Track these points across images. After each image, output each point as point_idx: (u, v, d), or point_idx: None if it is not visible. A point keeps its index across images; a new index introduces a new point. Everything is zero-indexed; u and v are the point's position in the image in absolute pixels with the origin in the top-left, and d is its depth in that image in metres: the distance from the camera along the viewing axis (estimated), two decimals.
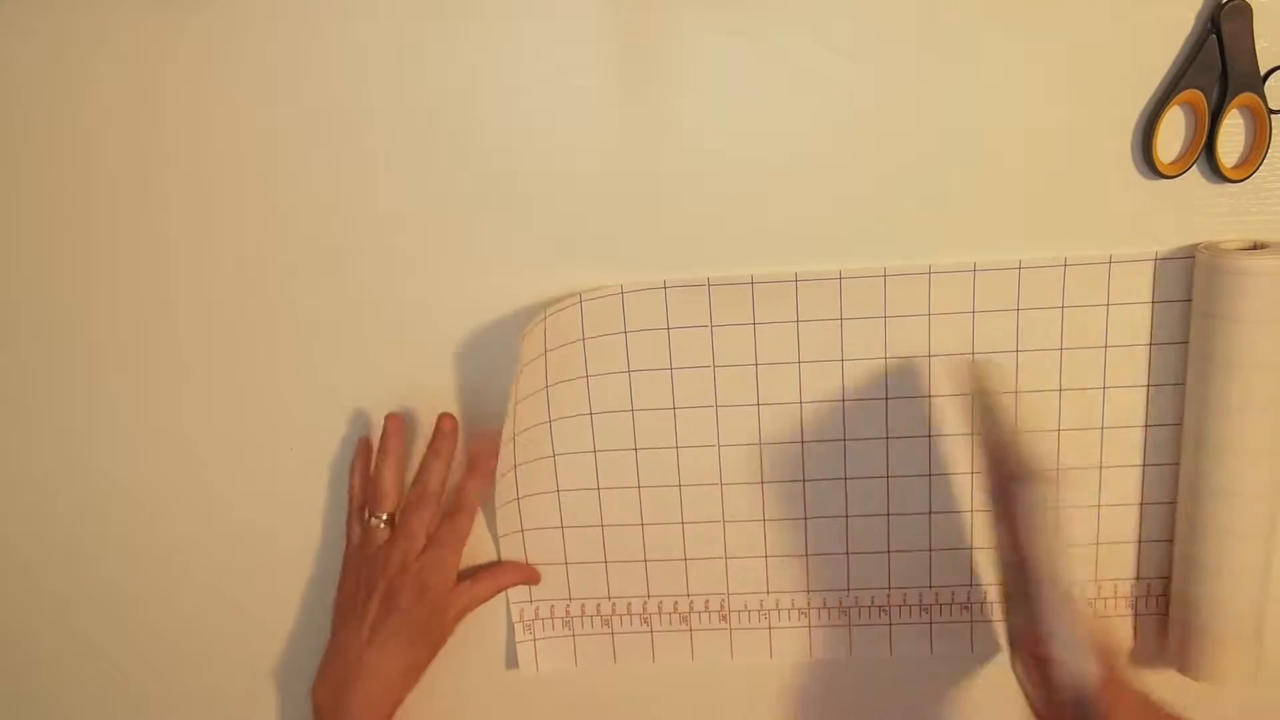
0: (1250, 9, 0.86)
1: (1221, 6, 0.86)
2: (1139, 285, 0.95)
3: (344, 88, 0.95)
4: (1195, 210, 0.92)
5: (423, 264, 0.99)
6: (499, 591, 1.05)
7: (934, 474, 1.01)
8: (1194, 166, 0.91)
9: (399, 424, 1.01)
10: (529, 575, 1.06)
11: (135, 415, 1.05)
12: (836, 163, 0.94)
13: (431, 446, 1.01)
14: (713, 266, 0.97)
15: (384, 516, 1.00)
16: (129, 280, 1.01)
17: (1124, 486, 1.01)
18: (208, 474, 1.06)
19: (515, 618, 1.07)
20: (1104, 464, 1.01)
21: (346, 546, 1.03)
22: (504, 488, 1.01)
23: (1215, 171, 0.91)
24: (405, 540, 0.99)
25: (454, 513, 1.00)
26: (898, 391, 1.00)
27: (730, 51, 0.92)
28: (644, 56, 0.93)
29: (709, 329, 0.99)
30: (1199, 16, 0.88)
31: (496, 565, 1.06)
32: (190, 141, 0.97)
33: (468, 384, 1.02)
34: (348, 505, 1.03)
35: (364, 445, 1.03)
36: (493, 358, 1.00)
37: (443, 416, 1.00)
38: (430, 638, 1.00)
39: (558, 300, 0.96)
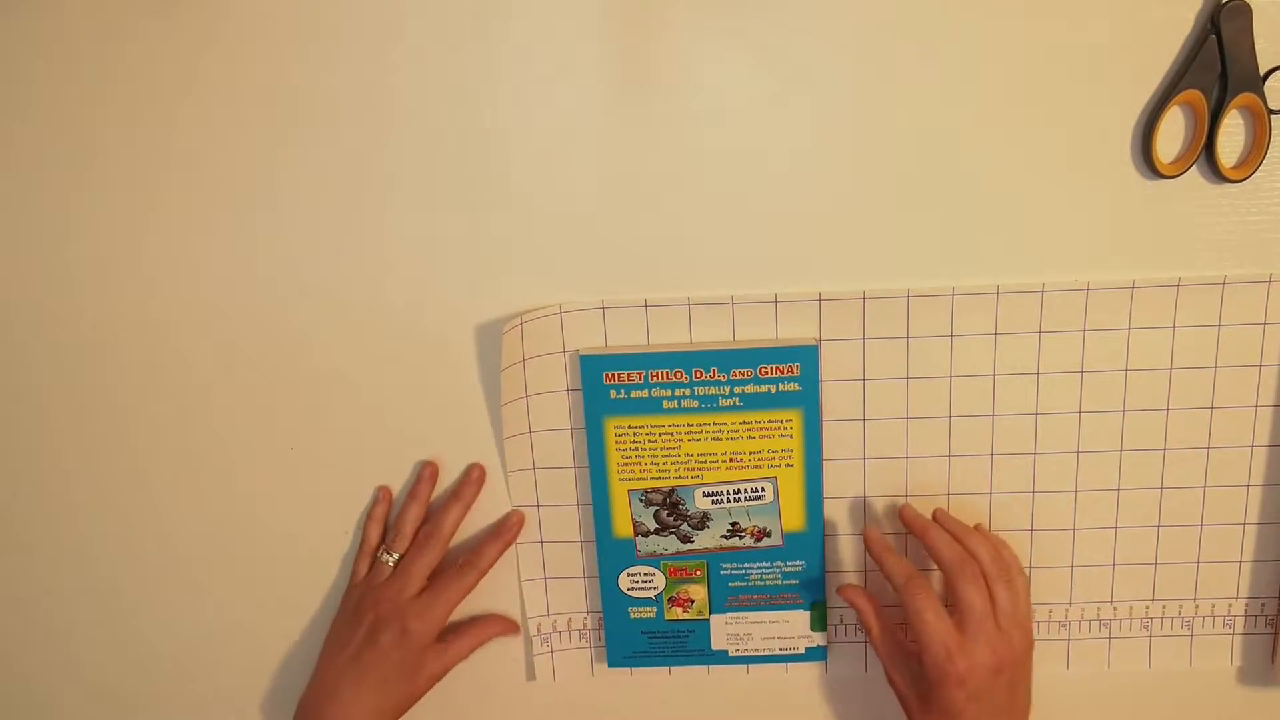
0: (1250, 9, 0.84)
1: (1221, 6, 0.83)
2: (1162, 310, 0.91)
3: (340, 92, 0.91)
4: (1195, 211, 0.88)
5: (423, 269, 0.94)
6: (478, 646, 1.00)
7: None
8: (1194, 167, 0.88)
9: (434, 472, 0.98)
10: (507, 627, 1.02)
11: (137, 423, 1.00)
12: (832, 164, 0.90)
13: (455, 491, 0.98)
14: (730, 284, 0.93)
15: (396, 556, 0.97)
16: (127, 283, 0.96)
17: (1143, 507, 0.97)
18: (205, 480, 1.01)
19: (533, 631, 1.02)
20: (1122, 486, 0.96)
21: (349, 582, 1.00)
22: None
23: (1215, 172, 0.87)
24: (403, 579, 0.96)
25: (464, 567, 0.97)
26: (917, 412, 0.95)
27: (746, 71, 0.89)
28: (656, 67, 0.89)
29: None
30: (1199, 16, 0.85)
31: (475, 622, 1.01)
32: (185, 148, 0.93)
33: (461, 390, 0.97)
34: (359, 545, 1.00)
35: (383, 494, 0.99)
36: (491, 364, 0.96)
37: (473, 466, 0.98)
38: (401, 688, 0.95)
39: (538, 308, 0.93)
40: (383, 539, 0.99)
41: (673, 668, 1.02)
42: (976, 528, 0.95)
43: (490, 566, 0.97)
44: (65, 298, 0.96)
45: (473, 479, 0.97)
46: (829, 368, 0.94)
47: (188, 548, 1.02)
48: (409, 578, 0.95)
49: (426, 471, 0.98)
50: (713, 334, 0.94)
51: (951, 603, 0.88)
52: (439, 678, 0.97)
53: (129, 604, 1.04)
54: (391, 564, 0.97)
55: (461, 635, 0.99)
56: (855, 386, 0.94)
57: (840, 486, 0.97)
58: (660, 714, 1.04)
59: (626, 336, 0.94)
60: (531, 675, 1.03)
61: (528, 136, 0.90)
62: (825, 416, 0.95)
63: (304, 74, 0.90)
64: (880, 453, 0.96)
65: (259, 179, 0.93)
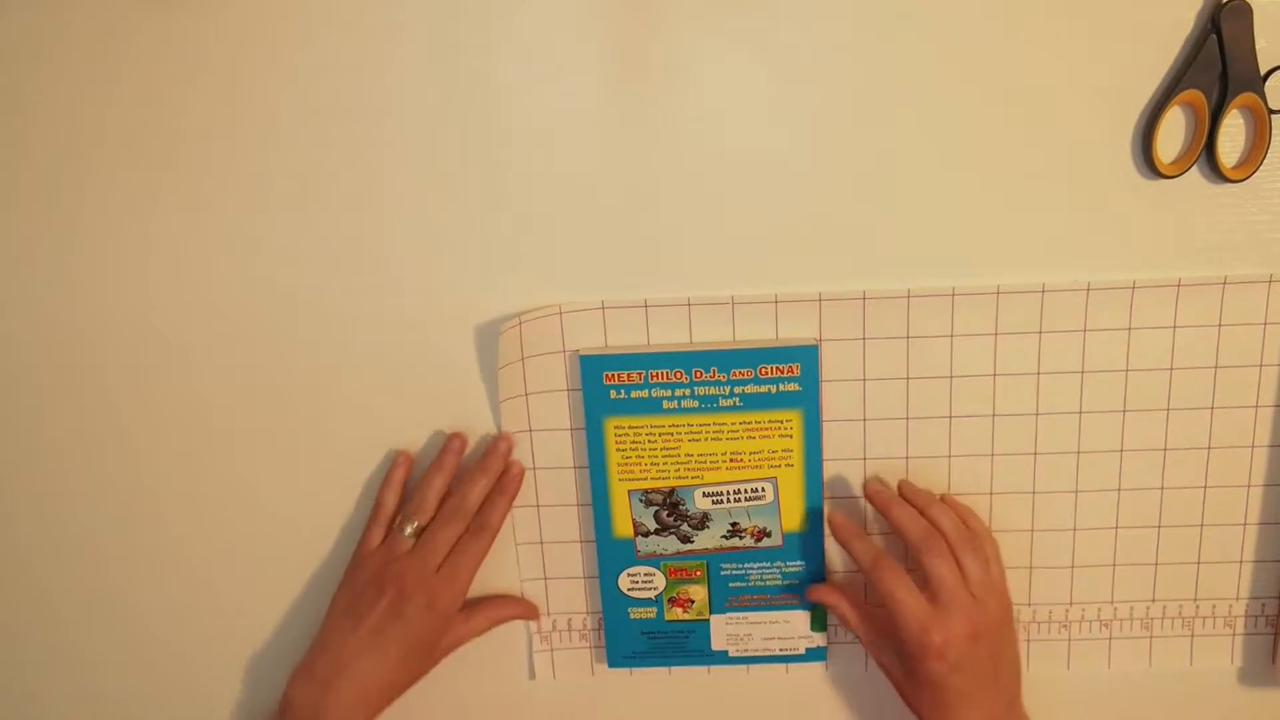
0: (1250, 9, 0.83)
1: (1221, 6, 0.83)
2: (1162, 310, 0.91)
3: (340, 92, 0.91)
4: (1195, 211, 0.88)
5: (423, 269, 0.94)
6: (495, 625, 0.99)
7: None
8: (1194, 167, 0.87)
9: (462, 444, 0.96)
10: (528, 611, 1.00)
11: (136, 415, 0.99)
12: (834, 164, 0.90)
13: (480, 464, 0.96)
14: (730, 284, 0.93)
15: (416, 526, 0.95)
16: (129, 281, 0.96)
17: (1143, 507, 0.96)
18: (206, 481, 1.01)
19: (533, 630, 1.02)
20: (1122, 486, 0.96)
21: (359, 549, 0.97)
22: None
23: (1215, 171, 0.87)
24: (427, 553, 0.93)
25: (476, 530, 0.95)
26: (917, 412, 0.95)
27: (746, 71, 0.89)
28: (656, 67, 0.89)
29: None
30: (1199, 16, 0.85)
31: (495, 599, 1.00)
32: (185, 147, 0.92)
33: (463, 391, 0.97)
34: (373, 511, 0.97)
35: (403, 459, 0.97)
36: (492, 365, 0.95)
37: (500, 438, 0.96)
38: (420, 659, 0.95)
39: (537, 308, 0.93)
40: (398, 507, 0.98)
41: (672, 668, 1.02)
42: (942, 497, 0.95)
43: (500, 525, 0.96)
44: (67, 290, 0.96)
45: (499, 451, 0.96)
46: (829, 368, 0.93)
47: (190, 547, 1.02)
48: (433, 551, 0.93)
49: (455, 444, 0.96)
50: (713, 334, 0.93)
51: (921, 578, 0.88)
52: (452, 650, 0.96)
53: (121, 584, 1.04)
54: (411, 534, 0.95)
55: (482, 610, 0.98)
56: (855, 386, 0.94)
57: (840, 486, 0.97)
58: (660, 714, 1.04)
59: (626, 336, 0.94)
60: (532, 674, 1.03)
61: (528, 136, 0.90)
62: (825, 416, 0.95)
63: (304, 74, 0.90)
64: (880, 453, 0.96)
65: (260, 178, 0.92)
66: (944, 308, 0.91)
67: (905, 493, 0.94)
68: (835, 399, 0.94)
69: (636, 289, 0.93)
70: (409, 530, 0.94)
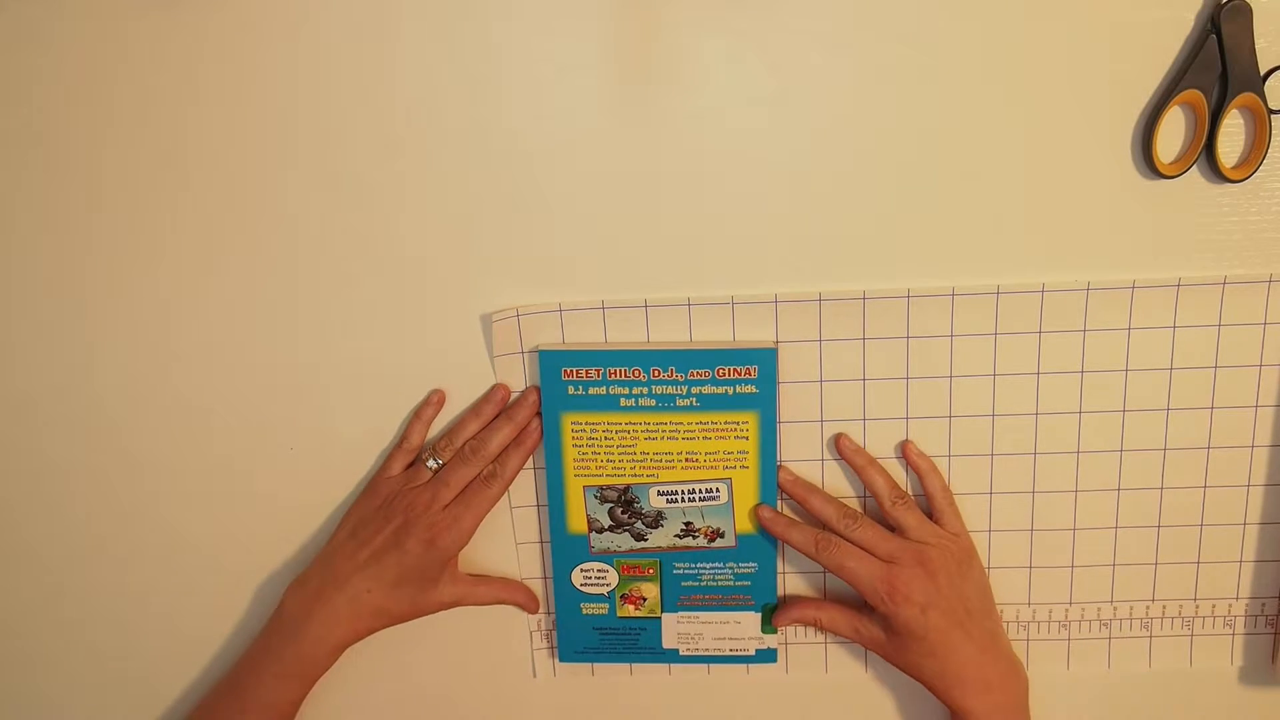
0: (1250, 9, 0.83)
1: (1221, 6, 0.83)
2: (1162, 310, 0.90)
3: (341, 94, 0.91)
4: (1195, 210, 0.88)
5: (422, 270, 0.94)
6: (496, 603, 1.00)
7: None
8: (1194, 166, 0.87)
9: (505, 396, 0.96)
10: (529, 601, 1.00)
11: (132, 404, 0.99)
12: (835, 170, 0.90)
13: (507, 412, 0.96)
14: (731, 284, 0.92)
15: (440, 463, 0.95)
16: (133, 275, 0.96)
17: (1143, 507, 0.96)
18: (206, 477, 1.01)
19: (533, 627, 1.02)
20: (1122, 486, 0.95)
21: (378, 475, 0.98)
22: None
23: (1215, 171, 0.86)
24: (439, 488, 0.94)
25: (489, 477, 0.95)
26: (917, 412, 0.94)
27: (746, 71, 0.89)
28: (656, 67, 0.89)
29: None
30: (1199, 16, 0.84)
31: (506, 580, 1.00)
32: (186, 146, 0.92)
33: (464, 388, 0.97)
34: (398, 442, 0.98)
35: (435, 397, 0.97)
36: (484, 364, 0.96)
37: (530, 389, 0.95)
38: (412, 596, 0.95)
39: (536, 303, 0.93)
40: (422, 442, 0.98)
41: (672, 667, 1.02)
42: (905, 446, 0.95)
43: (514, 476, 0.96)
44: (73, 285, 0.96)
45: (528, 402, 0.95)
46: (829, 367, 0.93)
47: (191, 544, 1.02)
48: (445, 488, 0.94)
49: (498, 393, 0.96)
50: (711, 334, 0.93)
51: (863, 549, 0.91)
52: (447, 606, 0.97)
53: (123, 578, 1.04)
54: (433, 469, 0.95)
55: (488, 583, 0.99)
56: (855, 386, 0.94)
57: (842, 487, 0.97)
58: (660, 714, 1.04)
59: (626, 336, 0.94)
60: (534, 673, 1.03)
61: (529, 137, 0.90)
62: (825, 417, 0.95)
63: (305, 76, 0.90)
64: (880, 453, 0.96)
65: (262, 179, 0.92)
66: (944, 308, 0.91)
67: (843, 454, 0.95)
68: (835, 399, 0.94)
69: (636, 289, 0.93)
70: (431, 464, 0.95)
